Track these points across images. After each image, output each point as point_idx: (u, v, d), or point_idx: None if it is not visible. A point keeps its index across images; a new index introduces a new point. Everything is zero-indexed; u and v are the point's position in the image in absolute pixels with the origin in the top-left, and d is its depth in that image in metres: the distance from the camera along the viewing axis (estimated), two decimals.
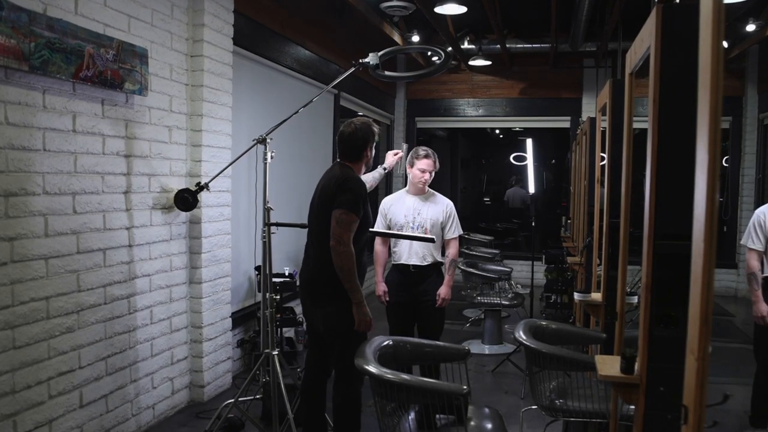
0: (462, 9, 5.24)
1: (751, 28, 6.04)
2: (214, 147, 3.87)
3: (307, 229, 3.01)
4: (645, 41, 1.75)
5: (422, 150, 3.68)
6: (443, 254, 3.75)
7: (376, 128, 2.98)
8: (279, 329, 4.40)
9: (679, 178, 1.54)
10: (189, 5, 3.70)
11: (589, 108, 7.89)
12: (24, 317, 2.60)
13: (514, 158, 12.05)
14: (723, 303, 7.25)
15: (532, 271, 6.00)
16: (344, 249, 2.68)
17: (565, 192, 7.98)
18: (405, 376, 2.11)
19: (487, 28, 6.99)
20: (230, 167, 3.62)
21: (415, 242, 3.60)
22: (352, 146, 2.90)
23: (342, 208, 2.69)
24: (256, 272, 4.53)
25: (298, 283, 3.26)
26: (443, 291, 3.63)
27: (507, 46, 7.29)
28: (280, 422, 3.05)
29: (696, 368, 1.06)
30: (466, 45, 7.36)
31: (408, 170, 3.71)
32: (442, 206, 3.71)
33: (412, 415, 2.53)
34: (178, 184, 3.63)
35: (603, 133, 3.25)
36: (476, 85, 8.63)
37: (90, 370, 3.00)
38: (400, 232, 3.62)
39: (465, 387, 2.08)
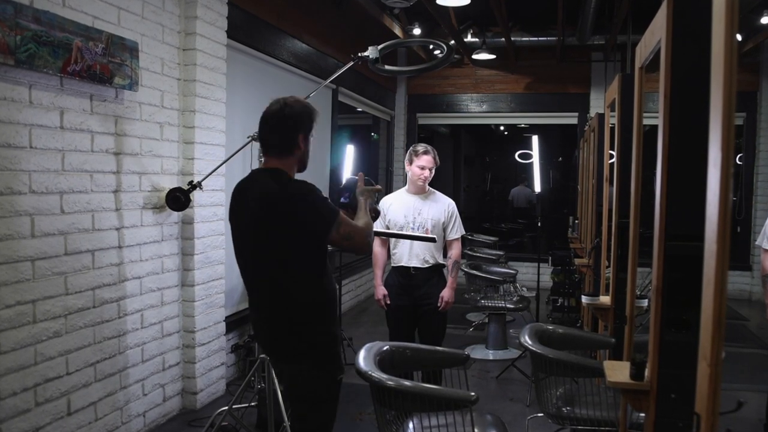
0: (465, 0, 5.14)
1: (765, 20, 5.93)
2: (207, 144, 3.80)
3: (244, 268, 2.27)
4: (656, 34, 1.73)
5: (421, 146, 3.58)
6: (445, 256, 3.67)
7: (314, 110, 2.32)
8: None
9: (691, 177, 1.53)
10: None
11: (597, 104, 7.79)
12: (9, 321, 2.54)
13: (519, 156, 11.95)
14: (736, 306, 7.14)
15: (538, 274, 5.94)
16: (369, 240, 2.22)
17: (572, 192, 7.88)
18: (406, 383, 2.06)
19: (492, 21, 6.91)
20: (224, 165, 3.57)
21: (415, 244, 3.51)
22: (281, 130, 2.24)
23: (333, 228, 2.10)
24: None
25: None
26: (446, 294, 3.54)
27: (512, 39, 7.21)
28: (276, 430, 2.98)
29: (709, 374, 1.05)
30: (469, 38, 7.28)
31: (407, 168, 3.62)
32: (444, 205, 3.62)
33: (412, 423, 2.45)
34: (169, 182, 3.56)
35: (612, 129, 3.28)
36: (480, 80, 8.52)
37: (78, 376, 2.94)
38: (400, 232, 3.53)
39: (473, 393, 2.01)
